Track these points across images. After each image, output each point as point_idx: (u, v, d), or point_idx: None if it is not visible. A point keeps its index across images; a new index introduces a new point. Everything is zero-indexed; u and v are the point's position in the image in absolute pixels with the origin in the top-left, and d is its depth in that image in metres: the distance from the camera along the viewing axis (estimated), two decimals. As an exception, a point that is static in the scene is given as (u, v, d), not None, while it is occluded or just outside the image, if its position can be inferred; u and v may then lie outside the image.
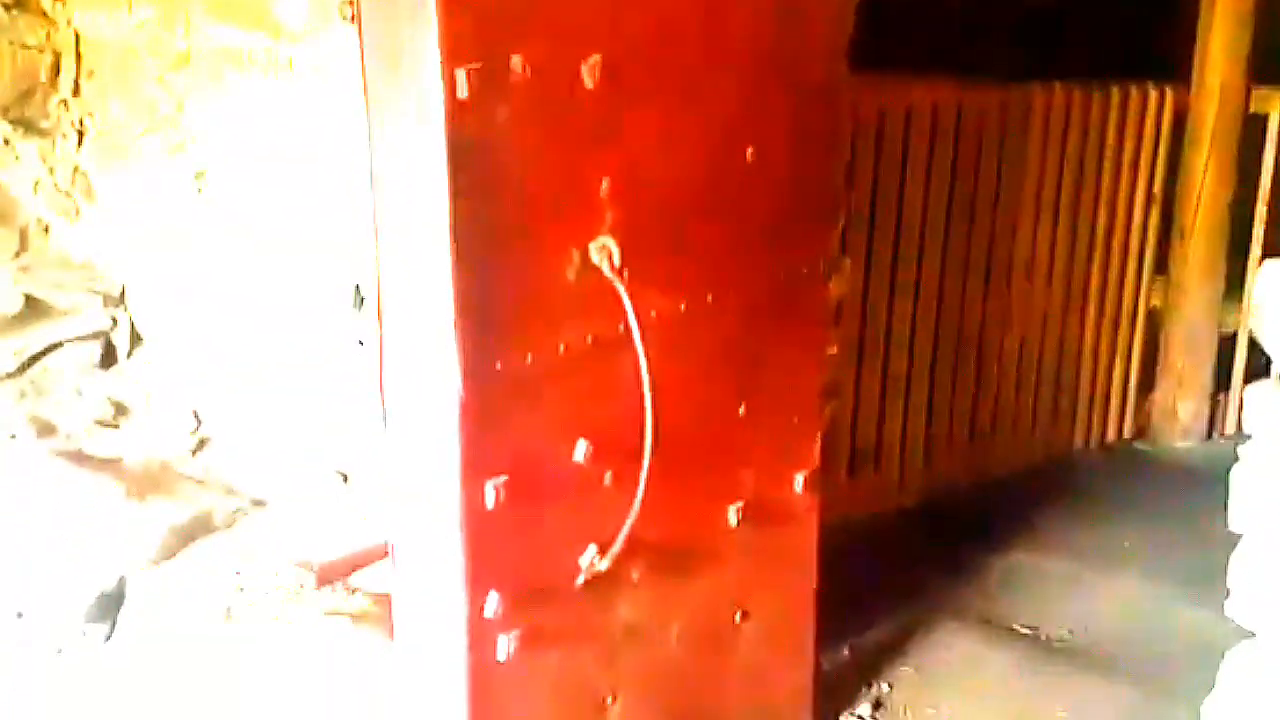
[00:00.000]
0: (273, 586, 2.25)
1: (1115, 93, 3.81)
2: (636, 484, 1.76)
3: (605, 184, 1.69)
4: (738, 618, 2.14)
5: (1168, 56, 4.03)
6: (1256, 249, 4.06)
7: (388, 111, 1.68)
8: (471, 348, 1.59)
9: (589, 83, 1.65)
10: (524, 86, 1.58)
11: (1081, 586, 3.10)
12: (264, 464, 2.75)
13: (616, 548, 1.77)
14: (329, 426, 2.62)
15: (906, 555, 3.18)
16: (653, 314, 1.80)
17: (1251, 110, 3.99)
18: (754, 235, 1.99)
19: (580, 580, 1.77)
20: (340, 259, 2.50)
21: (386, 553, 1.85)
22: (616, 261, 1.68)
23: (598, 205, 1.69)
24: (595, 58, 1.65)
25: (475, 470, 1.62)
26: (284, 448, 2.73)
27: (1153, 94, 3.93)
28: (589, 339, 1.72)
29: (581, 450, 1.75)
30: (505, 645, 1.70)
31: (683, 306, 1.87)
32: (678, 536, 1.97)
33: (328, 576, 2.04)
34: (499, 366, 1.62)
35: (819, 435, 2.24)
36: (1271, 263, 1.43)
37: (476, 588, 1.67)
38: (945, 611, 2.95)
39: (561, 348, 1.69)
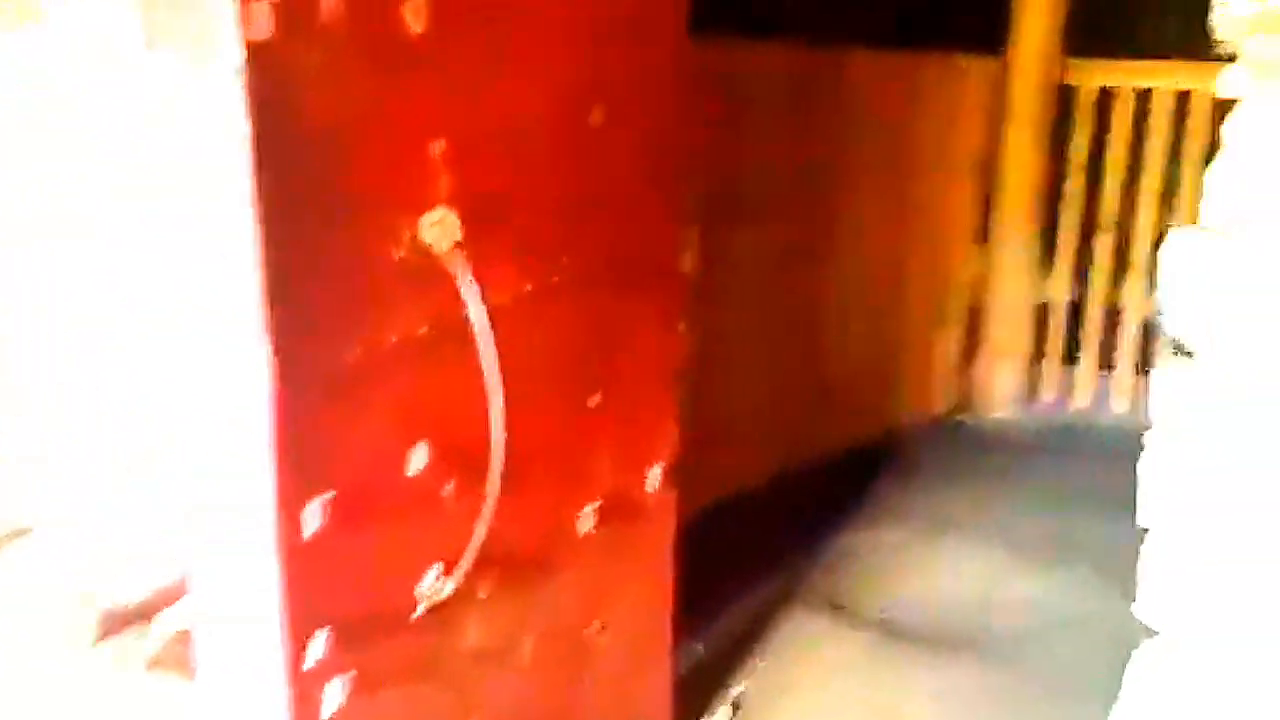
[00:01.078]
0: (42, 629, 1.89)
1: (934, 60, 3.80)
2: (482, 491, 1.53)
3: (438, 147, 1.45)
4: (595, 628, 1.95)
5: (991, 26, 4.05)
6: (1070, 219, 4.15)
7: (168, 61, 1.38)
8: (285, 344, 1.32)
9: (414, 25, 1.40)
10: (337, 28, 1.32)
11: (924, 562, 3.06)
12: (27, 483, 2.35)
13: (464, 565, 1.54)
14: (110, 438, 2.25)
15: (752, 540, 3.06)
16: (495, 297, 1.57)
17: (1064, 81, 4.06)
18: (604, 206, 1.78)
19: (423, 607, 1.54)
20: (110, 244, 2.14)
21: (185, 589, 1.55)
22: (455, 238, 1.45)
23: (430, 172, 1.44)
24: (420, -5, 1.40)
25: (294, 488, 1.35)
26: (53, 464, 2.34)
27: (970, 63, 3.94)
28: (424, 329, 1.48)
29: (419, 457, 1.50)
30: (336, 693, 1.44)
31: (529, 287, 1.65)
32: (529, 545, 1.76)
33: (111, 619, 1.72)
34: (319, 364, 1.36)
35: (676, 422, 2.06)
36: (1177, 234, 1.33)
37: (299, 627, 1.40)
38: (795, 598, 2.84)
39: (392, 340, 1.44)
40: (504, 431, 1.52)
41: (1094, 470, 3.64)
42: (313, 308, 1.34)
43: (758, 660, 2.57)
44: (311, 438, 1.37)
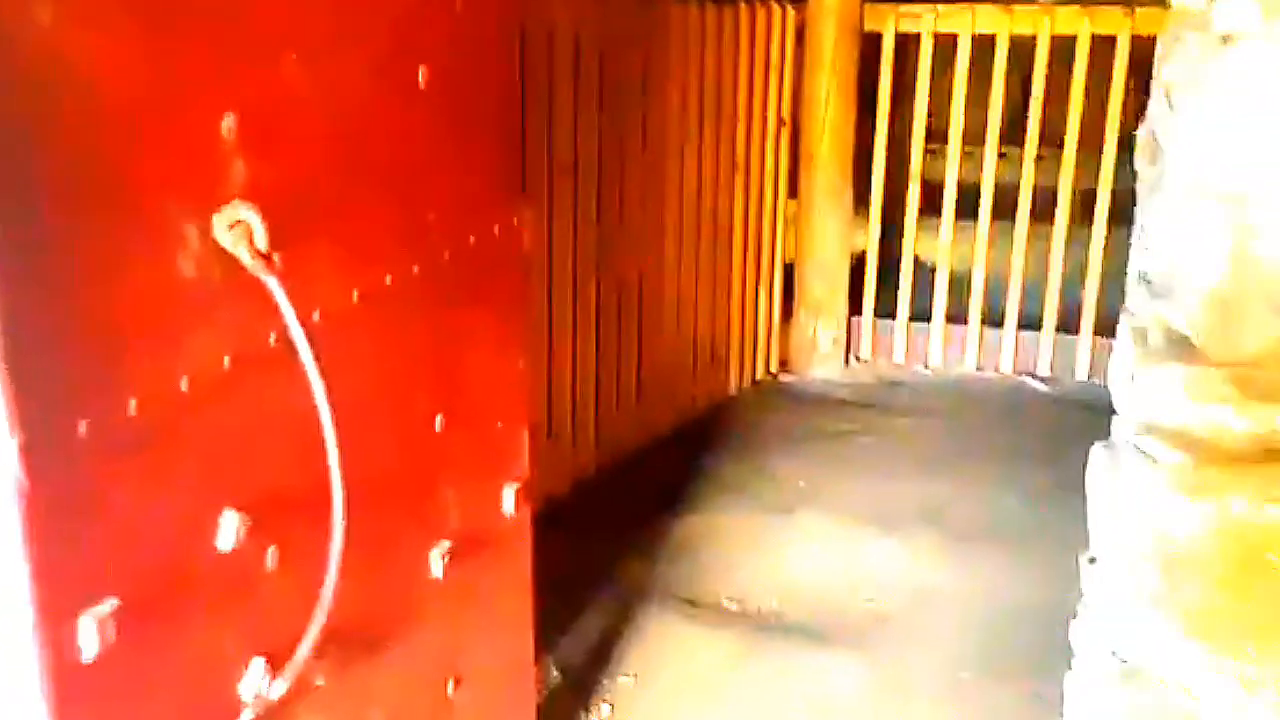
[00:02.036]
0: None
1: (744, 9, 3.60)
2: (315, 559, 1.20)
3: (229, 123, 1.08)
4: (450, 687, 1.65)
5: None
6: (879, 170, 4.07)
7: None
8: (33, 403, 0.94)
9: (185, -40, 1.03)
10: (74, -38, 0.94)
11: (773, 543, 2.90)
12: None
13: (300, 658, 1.21)
14: None
15: (593, 536, 2.81)
16: (317, 311, 1.23)
17: (866, 29, 3.96)
18: (437, 187, 1.46)
19: (247, 717, 1.19)
20: None
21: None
22: (260, 240, 1.10)
23: (221, 156, 1.08)
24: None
25: (62, 604, 0.99)
26: None
27: (775, 10, 3.77)
28: (226, 361, 1.12)
29: (230, 528, 1.15)
30: None
31: (356, 294, 1.31)
32: (373, 609, 1.43)
33: None
34: (84, 427, 0.99)
35: (526, 434, 1.77)
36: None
37: (83, 777, 1.04)
38: (648, 597, 2.62)
39: (184, 382, 1.08)
40: (342, 478, 1.19)
41: (919, 429, 3.59)
42: (69, 354, 0.97)
43: (620, 675, 2.33)
44: (79, 529, 1.01)
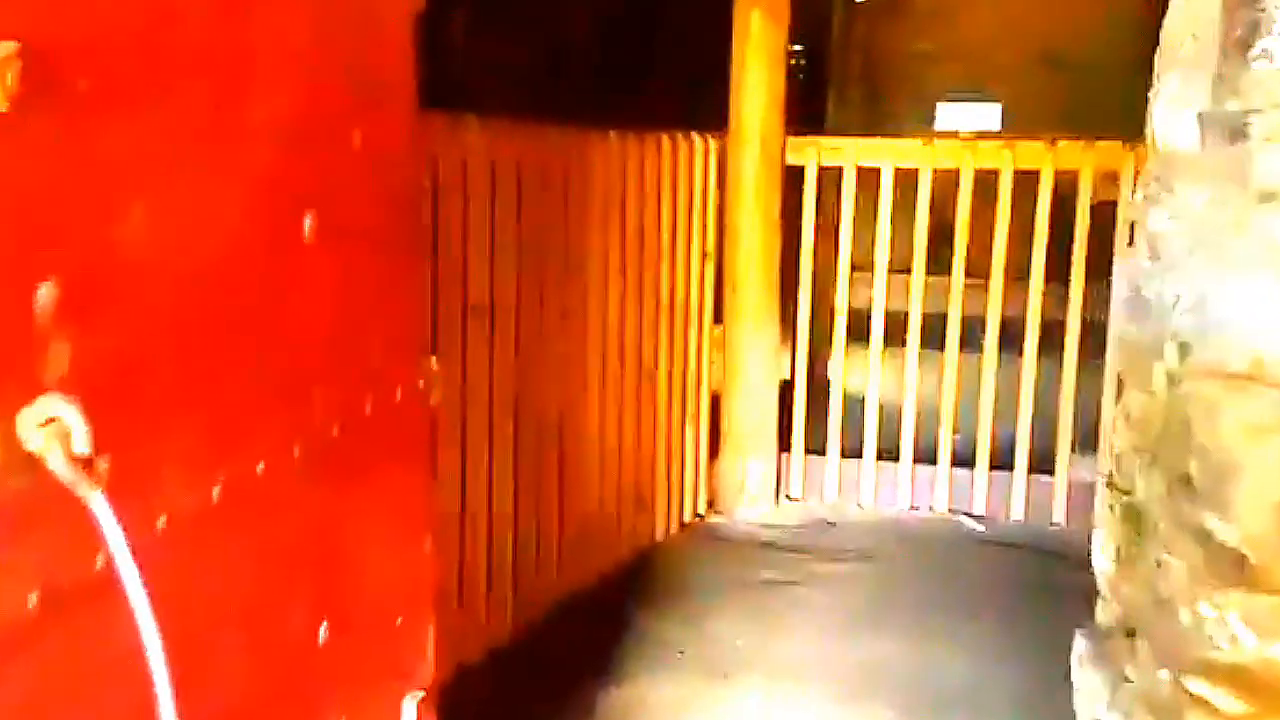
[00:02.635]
0: None
1: (666, 141, 3.49)
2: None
3: (47, 293, 0.85)
4: None
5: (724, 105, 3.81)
6: (805, 298, 3.96)
7: None
8: None
9: (-4, 95, 0.81)
10: None
11: (709, 714, 2.64)
12: None
13: None
14: None
15: (506, 715, 2.52)
16: (163, 518, 0.98)
17: (790, 162, 3.88)
18: (325, 352, 1.23)
19: None
20: None
21: None
22: (80, 442, 0.85)
23: (32, 335, 0.85)
24: (8, 46, 0.81)
25: None
26: None
27: (698, 142, 3.67)
28: (32, 600, 0.87)
29: (34, 815, 0.88)
30: None
31: (216, 491, 1.06)
32: None
33: None
34: None
35: (431, 630, 1.52)
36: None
37: None
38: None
39: (-27, 630, 0.82)
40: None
41: (857, 577, 3.38)
42: None
43: None
44: None
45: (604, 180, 3.14)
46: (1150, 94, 1.33)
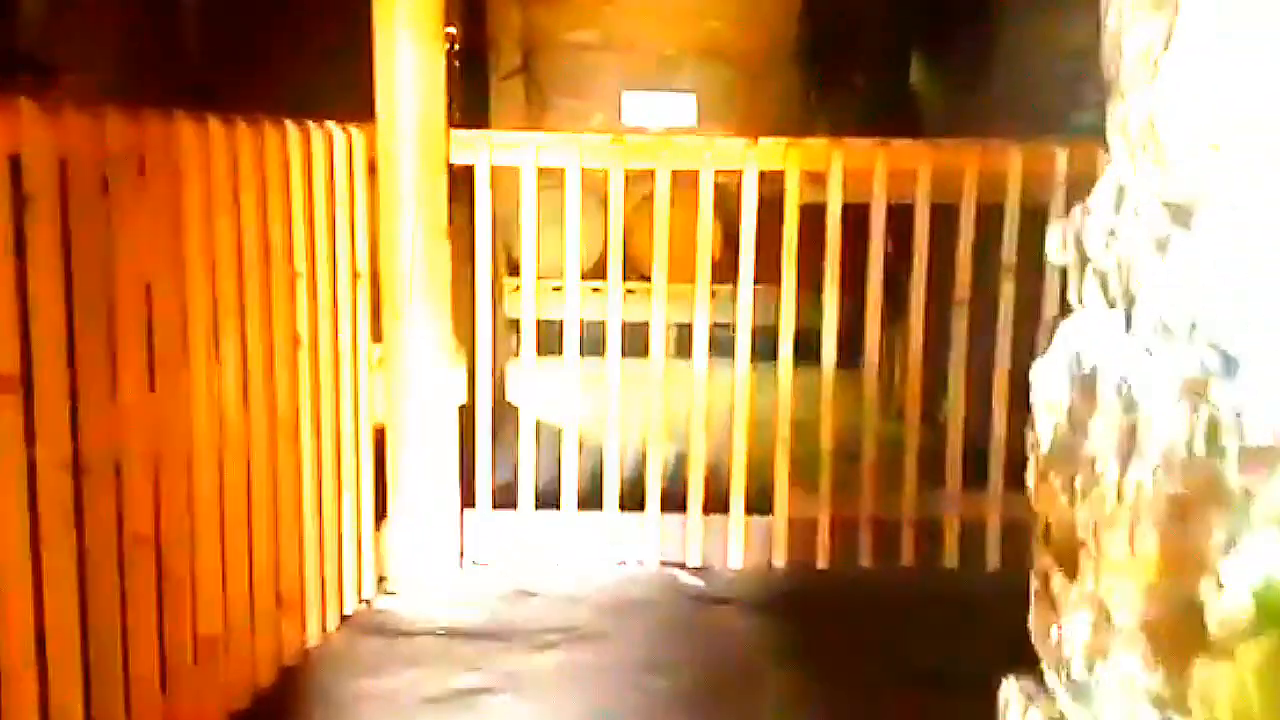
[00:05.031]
0: None
1: (294, 132, 2.70)
2: None
3: None
4: None
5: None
6: (485, 315, 3.30)
7: None
8: None
9: None
10: None
11: None
12: None
13: None
14: None
15: None
16: None
17: (455, 161, 3.21)
18: None
19: None
20: None
21: None
22: None
23: None
24: None
25: None
26: None
27: (339, 136, 2.91)
28: None
29: None
30: None
31: None
32: None
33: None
34: None
35: None
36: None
37: None
38: None
39: None
40: None
41: (569, 671, 2.78)
42: None
43: None
44: None
45: (204, 186, 2.32)
46: (1115, 71, 0.79)
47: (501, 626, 2.99)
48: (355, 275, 2.99)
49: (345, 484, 2.97)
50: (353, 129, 2.96)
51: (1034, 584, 0.97)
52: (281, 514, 2.66)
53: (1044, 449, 0.90)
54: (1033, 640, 0.97)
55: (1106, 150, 0.90)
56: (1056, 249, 0.98)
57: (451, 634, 2.94)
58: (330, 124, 2.87)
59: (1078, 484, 0.84)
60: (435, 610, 3.08)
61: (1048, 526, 0.93)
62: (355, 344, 3.01)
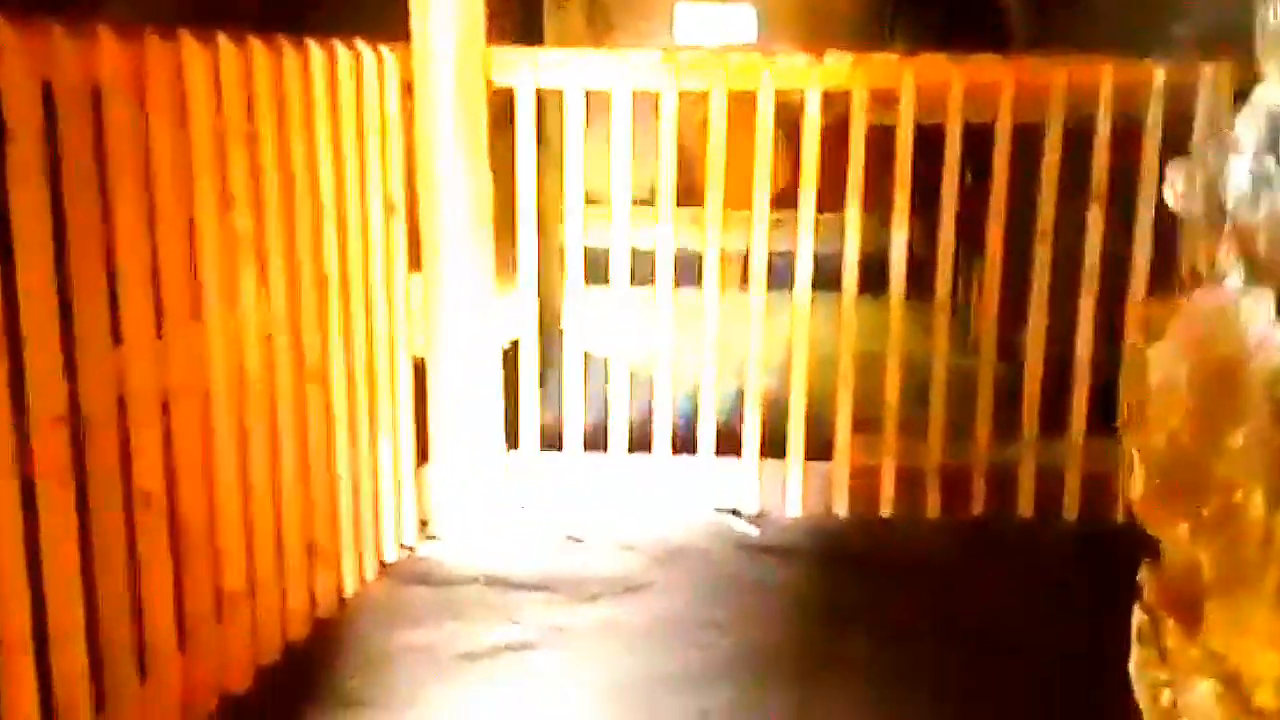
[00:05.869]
0: None
1: (319, 53, 2.51)
2: None
3: None
4: None
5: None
6: (528, 244, 3.12)
7: None
8: None
9: None
10: None
11: None
12: None
13: None
14: None
15: None
16: None
17: (497, 83, 3.00)
18: None
19: None
20: None
21: None
22: None
23: None
24: None
25: None
26: None
27: (371, 57, 2.72)
28: None
29: None
30: None
31: None
32: None
33: None
34: None
35: None
36: None
37: None
38: None
39: None
40: None
41: (616, 627, 2.64)
42: None
43: None
44: None
45: (214, 114, 2.15)
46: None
47: (546, 577, 2.85)
48: (390, 208, 2.82)
49: (382, 427, 2.84)
50: (384, 49, 2.76)
51: (1137, 621, 0.77)
52: (312, 460, 2.53)
53: (1157, 463, 0.70)
54: (1135, 693, 0.77)
55: (1254, 66, 0.68)
56: (1179, 193, 0.75)
57: (494, 583, 2.81)
58: (359, 43, 2.68)
59: (1204, 514, 0.64)
60: (478, 557, 2.95)
61: (1160, 553, 0.73)
62: (391, 280, 2.85)
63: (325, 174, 2.53)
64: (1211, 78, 2.84)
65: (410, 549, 2.97)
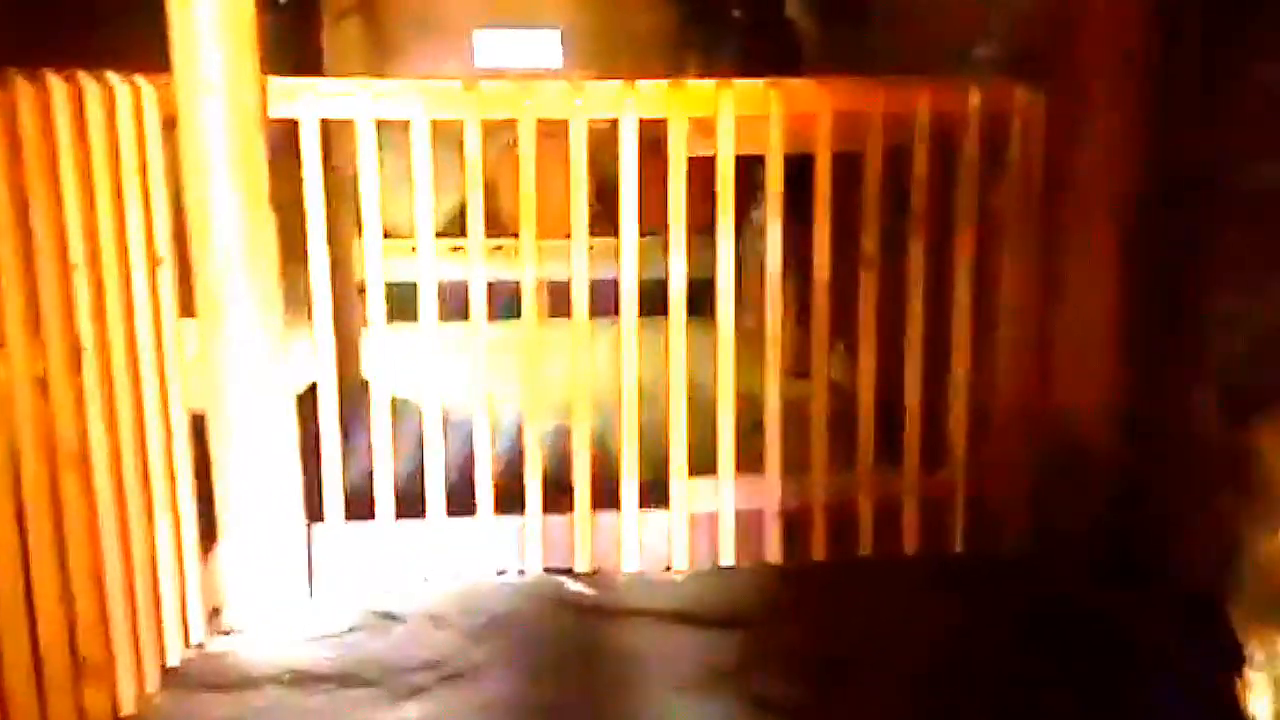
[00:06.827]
0: None
1: (61, 88, 2.14)
2: None
3: None
4: None
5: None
6: (321, 287, 2.82)
7: None
8: None
9: None
10: None
11: None
12: None
13: None
14: None
15: None
16: None
17: (276, 114, 2.69)
18: None
19: None
20: None
21: None
22: None
23: None
24: None
25: None
26: None
27: (127, 92, 2.36)
28: None
29: None
30: None
31: None
32: None
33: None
34: None
35: None
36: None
37: None
38: None
39: None
40: None
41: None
42: None
43: None
44: None
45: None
46: None
47: (362, 664, 2.55)
48: (154, 259, 2.46)
49: (158, 504, 2.47)
50: (141, 80, 2.41)
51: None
52: (71, 558, 2.15)
53: None
54: None
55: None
56: None
57: (299, 680, 2.48)
58: (110, 75, 2.32)
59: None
60: (280, 649, 2.62)
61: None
62: (160, 333, 2.49)
63: (73, 226, 2.16)
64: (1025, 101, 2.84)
65: (200, 646, 2.61)
